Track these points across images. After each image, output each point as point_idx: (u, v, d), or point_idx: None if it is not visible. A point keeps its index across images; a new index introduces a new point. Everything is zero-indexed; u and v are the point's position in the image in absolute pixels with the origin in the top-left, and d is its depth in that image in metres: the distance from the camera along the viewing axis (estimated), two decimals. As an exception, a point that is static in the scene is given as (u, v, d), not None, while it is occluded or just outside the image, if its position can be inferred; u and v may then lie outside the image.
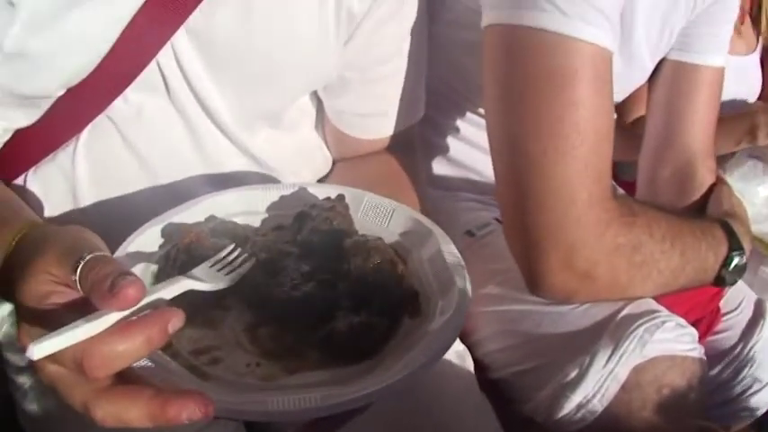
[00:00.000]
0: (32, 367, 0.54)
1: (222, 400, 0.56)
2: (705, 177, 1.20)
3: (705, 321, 1.18)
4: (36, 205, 0.88)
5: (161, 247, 0.75)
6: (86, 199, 0.89)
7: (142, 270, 0.71)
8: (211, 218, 0.79)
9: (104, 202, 0.89)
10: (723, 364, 1.22)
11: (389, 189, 0.88)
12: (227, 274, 0.67)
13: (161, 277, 0.71)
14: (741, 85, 1.91)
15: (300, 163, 1.01)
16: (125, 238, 0.73)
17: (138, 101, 0.85)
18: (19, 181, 0.90)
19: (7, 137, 0.84)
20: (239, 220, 0.81)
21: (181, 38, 0.82)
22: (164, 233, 0.76)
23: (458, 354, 0.98)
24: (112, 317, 0.52)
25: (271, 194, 0.84)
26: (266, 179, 0.95)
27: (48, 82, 0.79)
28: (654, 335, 0.96)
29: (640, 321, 0.97)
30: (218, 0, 0.81)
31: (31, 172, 0.89)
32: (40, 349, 0.50)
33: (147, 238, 0.75)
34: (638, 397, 0.96)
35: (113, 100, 0.84)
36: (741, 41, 1.91)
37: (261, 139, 0.94)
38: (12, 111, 0.81)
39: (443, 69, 1.17)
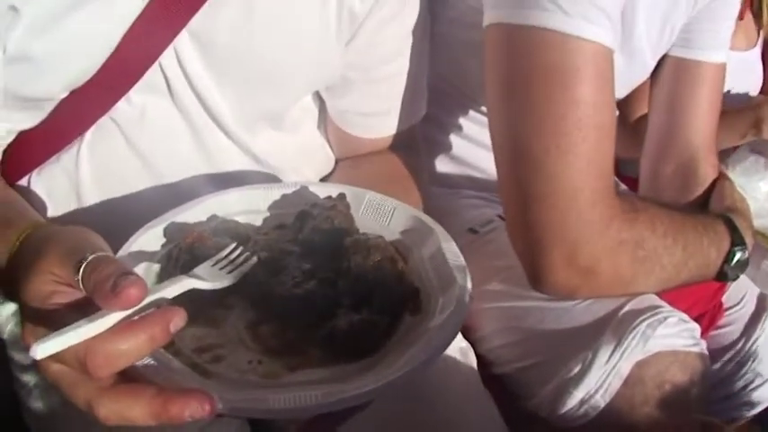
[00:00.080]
0: (37, 366, 0.55)
1: (224, 397, 0.56)
2: (707, 173, 1.20)
3: (708, 316, 1.18)
4: (40, 206, 0.89)
5: (163, 246, 0.75)
6: (90, 199, 0.90)
7: (144, 269, 0.72)
8: (213, 217, 0.79)
9: (107, 203, 0.90)
10: (725, 358, 1.22)
11: (392, 188, 0.88)
12: (229, 272, 0.68)
13: (163, 277, 0.71)
14: (742, 80, 1.91)
15: (303, 162, 1.01)
16: (128, 237, 0.74)
17: (141, 102, 0.86)
18: (23, 182, 0.90)
19: (11, 138, 0.85)
20: (241, 219, 0.81)
21: (183, 39, 0.83)
22: (166, 233, 0.76)
23: (461, 350, 0.99)
24: (115, 316, 0.53)
25: (272, 193, 0.84)
26: (268, 178, 0.95)
27: (51, 84, 0.79)
28: (656, 330, 0.96)
29: (643, 317, 0.96)
30: (220, 1, 0.81)
31: (34, 173, 0.90)
32: (43, 349, 0.51)
33: (150, 238, 0.75)
34: (641, 392, 0.96)
35: (117, 101, 0.84)
36: (742, 37, 1.91)
37: (263, 139, 0.94)
38: (15, 113, 0.81)
39: (446, 68, 1.17)
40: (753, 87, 1.98)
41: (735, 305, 1.26)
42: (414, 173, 1.03)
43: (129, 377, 0.55)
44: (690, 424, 0.99)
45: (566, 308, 1.03)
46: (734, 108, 1.70)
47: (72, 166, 0.88)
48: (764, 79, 2.02)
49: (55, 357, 0.52)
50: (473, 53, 0.97)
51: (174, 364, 0.62)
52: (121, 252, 0.71)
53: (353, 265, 0.70)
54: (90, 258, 0.55)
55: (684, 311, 1.00)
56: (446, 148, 1.32)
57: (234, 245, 0.71)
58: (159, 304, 0.58)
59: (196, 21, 0.81)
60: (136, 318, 0.54)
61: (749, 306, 1.26)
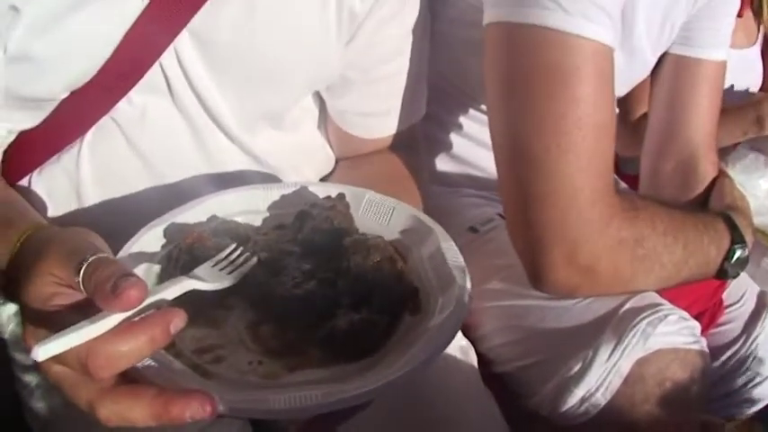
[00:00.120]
0: (38, 367, 0.55)
1: (225, 398, 0.56)
2: (707, 170, 1.20)
3: (708, 314, 1.18)
4: (40, 206, 0.89)
5: (163, 247, 0.75)
6: (90, 199, 0.90)
7: (145, 270, 0.72)
8: (213, 217, 0.79)
9: (108, 203, 0.90)
10: (726, 356, 1.22)
11: (392, 187, 0.88)
12: (229, 273, 0.68)
13: (164, 277, 0.71)
14: (742, 77, 1.91)
15: (303, 162, 1.01)
16: (128, 237, 0.74)
17: (141, 102, 0.86)
18: (23, 182, 0.90)
19: (11, 138, 0.85)
20: (241, 220, 0.81)
21: (183, 39, 0.83)
22: (166, 233, 0.76)
23: (461, 348, 0.99)
24: (116, 318, 0.53)
25: (272, 193, 0.84)
26: (269, 178, 0.95)
27: (52, 85, 0.79)
28: (656, 328, 0.96)
29: (643, 315, 0.97)
30: (219, 2, 0.81)
31: (35, 173, 0.90)
32: (45, 351, 0.51)
33: (150, 239, 0.75)
34: (641, 390, 0.96)
35: (117, 102, 0.84)
36: (742, 34, 1.91)
37: (263, 139, 0.94)
38: (16, 113, 0.82)
39: (447, 67, 1.17)
40: (753, 85, 1.97)
41: (735, 303, 1.26)
42: (414, 172, 1.03)
43: (130, 378, 0.55)
44: (690, 422, 0.99)
45: (566, 306, 1.03)
46: (734, 105, 1.70)
47: (73, 166, 0.88)
48: (764, 76, 2.02)
49: (56, 359, 0.52)
50: (473, 52, 0.97)
51: (174, 365, 0.62)
52: (122, 253, 0.71)
53: (353, 264, 0.70)
54: (90, 260, 0.55)
55: (685, 309, 1.00)
56: (446, 146, 1.32)
57: (234, 245, 0.72)
58: (160, 305, 0.58)
59: (197, 20, 0.81)
60: (136, 319, 0.54)
61: (749, 304, 1.27)
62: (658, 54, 1.19)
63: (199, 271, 0.66)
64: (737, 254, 1.01)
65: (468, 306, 0.69)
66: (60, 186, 0.90)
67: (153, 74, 0.83)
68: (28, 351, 0.52)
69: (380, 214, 0.82)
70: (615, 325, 0.97)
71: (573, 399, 0.98)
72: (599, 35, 0.85)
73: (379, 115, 1.02)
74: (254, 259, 0.71)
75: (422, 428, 0.86)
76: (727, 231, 1.02)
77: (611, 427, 0.98)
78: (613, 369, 0.96)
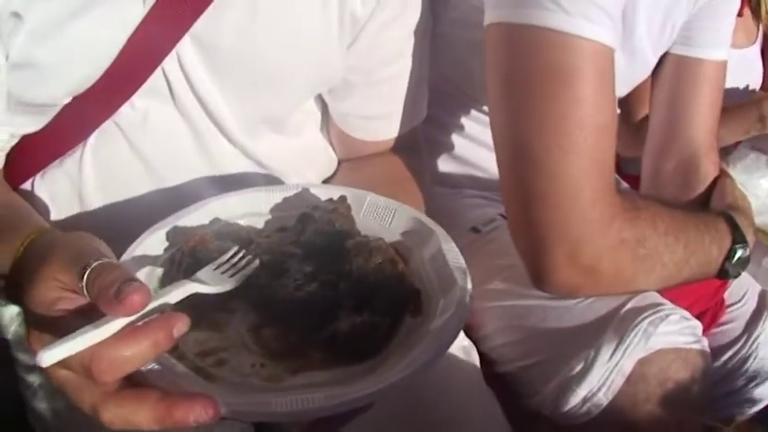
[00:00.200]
0: (42, 370, 0.55)
1: (227, 401, 0.57)
2: (709, 170, 1.20)
3: (709, 313, 1.18)
4: (43, 209, 0.89)
5: (166, 250, 0.76)
6: (93, 203, 0.90)
7: (148, 274, 0.72)
8: (216, 220, 0.80)
9: (110, 206, 0.90)
10: (727, 355, 1.22)
11: (394, 190, 0.88)
12: (231, 276, 0.68)
13: (166, 281, 0.71)
14: (743, 77, 1.91)
15: (305, 165, 1.02)
16: (131, 240, 0.74)
17: (143, 107, 0.86)
18: (26, 186, 0.91)
19: (14, 142, 0.85)
20: (243, 222, 0.81)
21: (185, 44, 0.83)
22: (168, 236, 0.77)
23: (463, 348, 0.99)
24: (119, 322, 0.54)
25: (274, 196, 0.85)
26: (271, 181, 0.96)
27: (54, 90, 0.80)
28: (658, 327, 0.96)
29: (645, 314, 0.97)
30: (222, 6, 0.81)
31: (38, 176, 0.90)
32: (49, 356, 0.51)
33: (153, 242, 0.75)
34: (643, 389, 0.96)
35: (120, 106, 0.84)
36: (742, 33, 1.91)
37: (265, 142, 0.95)
38: (19, 117, 0.82)
39: (449, 68, 1.17)
40: (753, 84, 1.97)
41: (736, 302, 1.26)
42: (416, 174, 1.03)
43: (133, 382, 0.56)
44: (692, 421, 0.99)
45: (568, 306, 1.03)
46: (736, 104, 1.69)
47: (75, 169, 0.89)
48: (765, 75, 2.01)
49: (60, 363, 0.52)
50: (477, 53, 0.97)
51: (177, 369, 0.62)
52: (125, 256, 0.71)
53: (355, 267, 0.70)
54: (94, 265, 0.55)
55: (686, 309, 1.00)
56: (448, 148, 1.32)
57: (236, 248, 0.72)
58: (163, 309, 0.58)
59: (199, 24, 0.81)
60: (140, 323, 0.55)
61: (750, 303, 1.26)
62: (659, 54, 1.19)
63: (201, 274, 0.66)
64: (739, 254, 1.01)
65: (470, 307, 0.69)
66: (63, 190, 0.90)
67: (155, 78, 0.83)
68: (34, 356, 0.52)
69: (382, 216, 0.82)
70: (617, 324, 0.98)
71: (575, 398, 0.98)
72: (599, 36, 0.86)
73: (381, 118, 1.02)
74: (257, 262, 0.71)
75: (424, 428, 0.86)
76: (728, 231, 1.02)
77: (613, 427, 0.98)
78: (615, 369, 0.96)
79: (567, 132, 0.86)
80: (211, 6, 0.81)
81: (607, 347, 0.97)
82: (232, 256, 0.71)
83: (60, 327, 0.54)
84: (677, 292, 1.02)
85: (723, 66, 1.20)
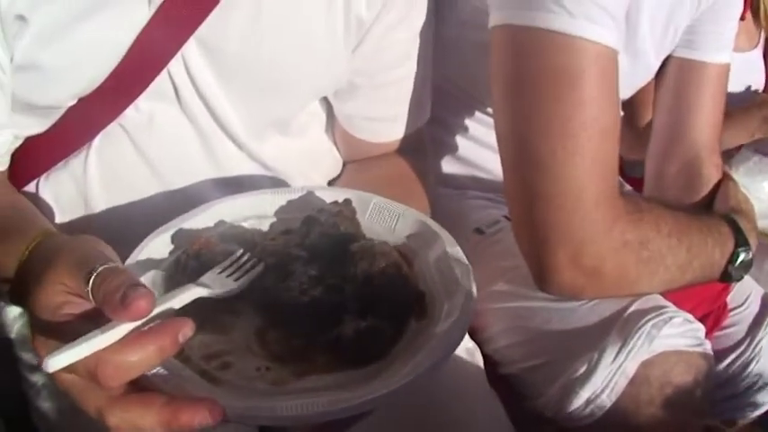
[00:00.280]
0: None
1: (232, 405, 0.57)
2: (711, 173, 1.20)
3: (712, 317, 1.18)
4: (47, 211, 0.89)
5: (171, 253, 0.75)
6: (97, 205, 0.90)
7: (152, 277, 0.72)
8: (220, 223, 0.79)
9: (115, 208, 0.90)
10: (730, 359, 1.22)
11: (399, 191, 0.88)
12: (236, 279, 0.68)
13: (171, 284, 0.71)
14: (746, 80, 1.91)
15: (310, 167, 1.01)
16: (135, 243, 0.74)
17: (149, 109, 0.86)
18: (30, 187, 0.90)
19: (18, 143, 0.85)
20: (248, 225, 0.81)
21: (191, 47, 0.83)
22: (174, 239, 0.77)
23: (467, 350, 0.99)
24: (125, 327, 0.54)
25: (279, 198, 0.84)
26: (276, 183, 0.96)
27: (59, 93, 0.80)
28: (661, 330, 0.96)
29: (648, 317, 0.97)
30: (227, 10, 0.81)
31: (42, 178, 0.90)
32: (55, 362, 0.51)
33: (158, 245, 0.75)
34: (646, 391, 0.96)
35: (125, 108, 0.84)
36: (744, 37, 1.91)
37: (271, 145, 0.95)
38: (24, 118, 0.82)
39: (453, 70, 1.17)
40: (756, 87, 1.97)
41: (739, 306, 1.26)
42: (421, 175, 1.03)
43: (138, 386, 0.56)
44: (694, 424, 0.99)
45: (571, 308, 1.03)
46: (739, 107, 1.69)
47: (80, 171, 0.89)
48: (767, 78, 2.02)
49: (66, 368, 0.52)
50: (480, 55, 0.97)
51: (183, 372, 0.62)
52: (130, 259, 0.71)
53: (360, 271, 0.70)
54: (100, 269, 0.55)
55: (689, 312, 1.01)
56: (452, 149, 1.32)
57: (241, 251, 0.72)
58: (168, 314, 0.59)
59: (204, 28, 0.82)
60: (145, 328, 0.55)
61: (753, 307, 1.26)
62: (662, 57, 1.19)
63: (206, 278, 0.66)
64: (741, 257, 1.01)
65: (474, 310, 0.69)
66: (67, 192, 0.90)
67: (161, 81, 0.83)
68: (39, 363, 0.53)
69: (387, 219, 0.82)
70: (620, 327, 0.98)
71: (578, 400, 0.98)
72: (603, 38, 0.86)
73: (386, 120, 1.02)
74: (262, 265, 0.71)
75: (428, 430, 0.86)
76: (731, 234, 1.02)
77: (616, 429, 0.98)
78: (619, 371, 0.96)
79: (572, 134, 0.86)
80: (216, 10, 0.81)
81: (611, 350, 0.97)
82: (237, 259, 0.71)
83: (66, 331, 0.54)
84: (680, 295, 1.03)
85: (726, 69, 1.21)
